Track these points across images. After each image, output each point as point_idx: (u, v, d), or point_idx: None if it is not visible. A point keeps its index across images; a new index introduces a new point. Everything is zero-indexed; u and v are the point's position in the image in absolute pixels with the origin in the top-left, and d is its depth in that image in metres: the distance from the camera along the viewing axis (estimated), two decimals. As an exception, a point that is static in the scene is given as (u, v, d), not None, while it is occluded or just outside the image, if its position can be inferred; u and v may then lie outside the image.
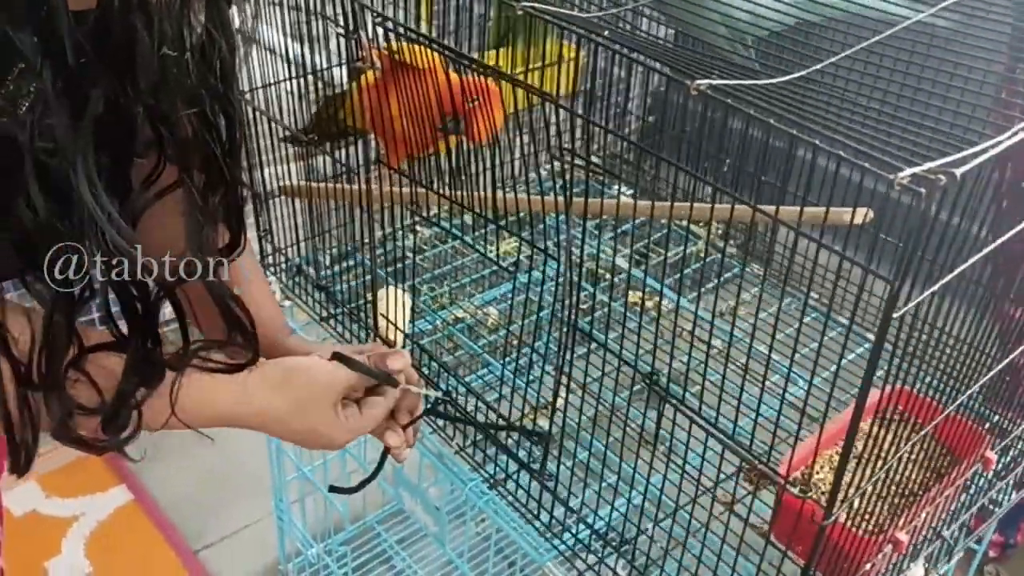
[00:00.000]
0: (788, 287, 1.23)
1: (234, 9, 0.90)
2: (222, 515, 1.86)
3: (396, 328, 1.10)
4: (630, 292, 1.18)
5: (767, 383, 0.81)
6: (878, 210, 0.93)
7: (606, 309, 1.16)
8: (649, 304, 1.18)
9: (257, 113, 1.15)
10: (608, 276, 1.21)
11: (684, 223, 1.25)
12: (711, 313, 0.81)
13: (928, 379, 0.78)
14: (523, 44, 1.33)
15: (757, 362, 0.85)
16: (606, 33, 0.76)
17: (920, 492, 0.88)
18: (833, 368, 0.74)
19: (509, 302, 1.26)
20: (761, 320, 0.78)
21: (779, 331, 0.79)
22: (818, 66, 0.68)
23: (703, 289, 1.23)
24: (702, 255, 1.26)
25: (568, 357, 0.91)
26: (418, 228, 1.31)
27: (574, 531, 0.98)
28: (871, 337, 0.94)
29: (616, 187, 1.37)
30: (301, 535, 1.58)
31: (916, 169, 0.53)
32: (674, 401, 0.82)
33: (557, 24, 0.78)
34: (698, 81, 0.66)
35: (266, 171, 1.18)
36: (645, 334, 1.00)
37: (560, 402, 1.13)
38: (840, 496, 0.71)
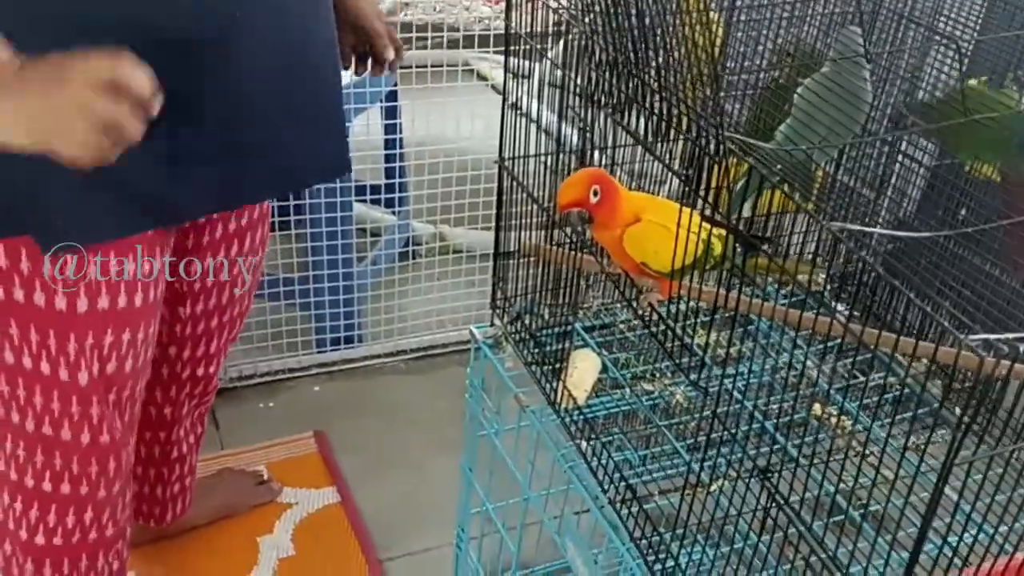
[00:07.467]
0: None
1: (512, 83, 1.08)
2: (410, 534, 2.02)
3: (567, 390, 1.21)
4: (818, 406, 1.23)
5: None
6: None
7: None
8: (833, 422, 1.23)
9: (514, 182, 1.33)
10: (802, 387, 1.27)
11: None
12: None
13: None
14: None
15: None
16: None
17: None
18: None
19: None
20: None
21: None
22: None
23: (892, 420, 1.25)
24: (899, 387, 1.29)
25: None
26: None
27: None
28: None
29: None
30: (474, 570, 1.70)
31: None
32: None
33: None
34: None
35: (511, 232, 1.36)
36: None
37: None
38: None
